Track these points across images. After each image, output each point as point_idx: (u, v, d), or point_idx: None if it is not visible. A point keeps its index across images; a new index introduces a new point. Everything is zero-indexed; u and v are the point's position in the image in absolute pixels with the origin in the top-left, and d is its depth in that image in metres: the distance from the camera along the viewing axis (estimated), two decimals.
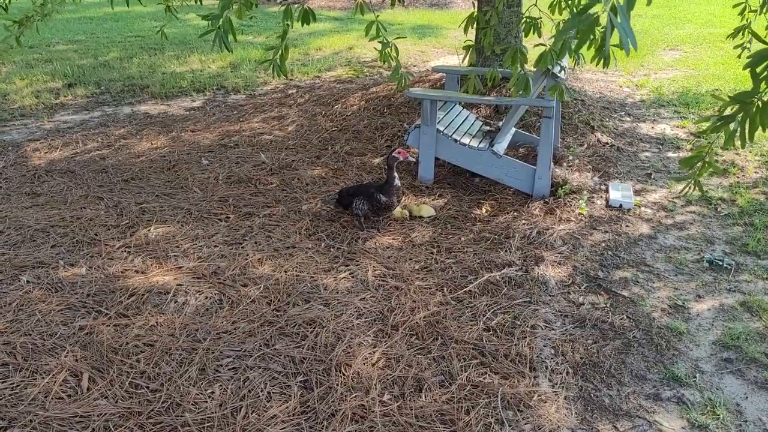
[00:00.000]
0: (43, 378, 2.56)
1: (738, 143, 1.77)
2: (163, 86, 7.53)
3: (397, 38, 3.38)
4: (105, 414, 2.39)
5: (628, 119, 6.37)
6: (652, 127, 6.13)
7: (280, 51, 3.19)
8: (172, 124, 6.16)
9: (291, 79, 8.17)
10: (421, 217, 4.20)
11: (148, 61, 8.81)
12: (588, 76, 8.02)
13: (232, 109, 6.75)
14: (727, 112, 1.74)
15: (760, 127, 1.72)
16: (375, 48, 3.33)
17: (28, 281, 3.25)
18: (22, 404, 2.42)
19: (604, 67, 3.10)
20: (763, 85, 1.62)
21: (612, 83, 7.84)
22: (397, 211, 4.17)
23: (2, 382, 2.53)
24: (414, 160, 3.81)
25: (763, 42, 1.81)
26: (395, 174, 3.88)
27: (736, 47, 3.61)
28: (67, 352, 2.72)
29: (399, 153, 3.89)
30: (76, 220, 3.95)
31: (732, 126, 1.73)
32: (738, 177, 4.87)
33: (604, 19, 1.53)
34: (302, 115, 6.31)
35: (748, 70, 1.65)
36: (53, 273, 3.34)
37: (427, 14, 13.81)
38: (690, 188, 2.21)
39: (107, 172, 4.80)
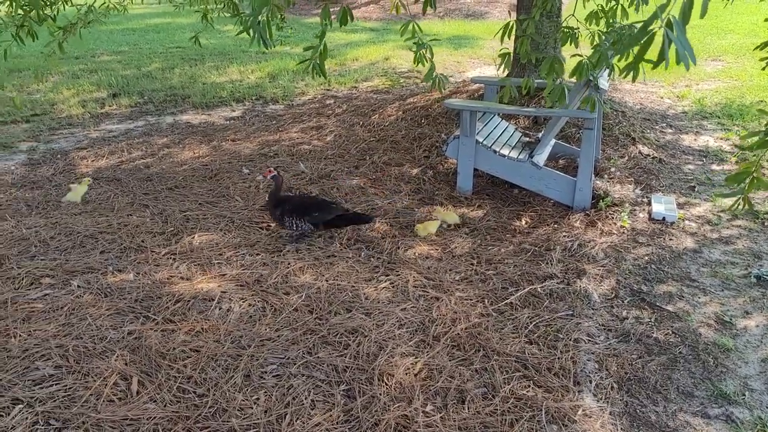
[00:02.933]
0: (95, 381, 2.62)
1: None
2: (204, 96, 7.68)
3: (432, 40, 3.39)
4: (154, 417, 2.44)
5: (670, 131, 6.28)
6: (695, 139, 6.03)
7: (318, 51, 3.23)
8: (213, 133, 6.28)
9: (328, 89, 8.25)
10: (447, 224, 4.23)
11: (188, 71, 8.99)
12: (628, 86, 7.94)
13: (270, 119, 6.84)
14: None
15: None
16: (410, 49, 3.34)
17: (79, 286, 3.34)
18: (75, 406, 2.49)
19: (633, 81, 3.09)
20: None
21: (653, 94, 7.74)
22: (423, 227, 4.11)
23: (56, 384, 2.60)
24: (264, 178, 3.98)
25: None
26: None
27: (762, 59, 3.55)
28: (117, 356, 2.78)
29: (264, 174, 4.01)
30: (123, 227, 4.05)
31: None
32: None
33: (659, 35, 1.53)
34: (340, 125, 6.37)
35: None
36: (102, 278, 3.43)
37: (463, 25, 13.83)
38: (738, 204, 2.18)
39: (152, 180, 4.91)
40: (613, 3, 3.88)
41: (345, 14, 3.27)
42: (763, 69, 3.61)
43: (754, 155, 2.39)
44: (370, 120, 6.52)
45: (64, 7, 4.47)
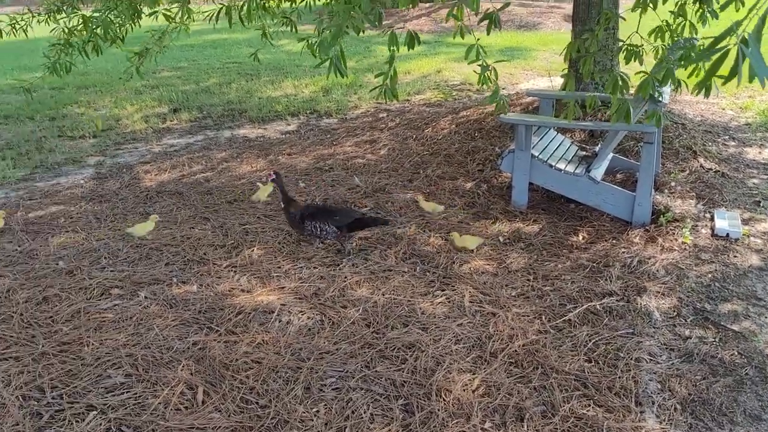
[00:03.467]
0: (163, 389, 2.72)
1: None
2: (260, 110, 7.87)
3: (497, 62, 3.41)
4: (219, 427, 2.52)
5: (733, 143, 6.11)
6: (760, 152, 5.85)
7: (389, 75, 3.29)
8: (270, 147, 6.42)
9: (380, 103, 8.34)
10: (465, 248, 4.05)
11: (245, 86, 9.23)
12: (688, 98, 7.75)
13: (325, 133, 6.96)
14: None
15: None
16: (474, 71, 3.37)
17: (146, 297, 3.47)
18: (144, 414, 2.59)
19: (705, 97, 3.03)
20: None
21: (714, 105, 7.54)
22: (461, 238, 4.09)
23: (127, 392, 2.71)
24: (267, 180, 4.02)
25: None
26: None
27: None
28: (183, 366, 2.88)
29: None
30: (186, 240, 4.19)
31: None
32: None
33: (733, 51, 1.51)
34: (393, 139, 6.43)
35: None
36: (168, 289, 3.55)
37: (515, 36, 13.77)
38: None
39: (212, 194, 5.06)
40: (680, 19, 3.82)
41: (412, 39, 3.33)
42: None
43: None
44: (423, 133, 6.56)
45: (132, 28, 4.67)
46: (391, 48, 3.18)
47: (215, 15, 3.65)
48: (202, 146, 6.58)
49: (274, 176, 4.10)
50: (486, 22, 3.33)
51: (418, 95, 8.77)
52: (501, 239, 4.22)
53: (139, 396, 2.69)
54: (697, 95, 3.08)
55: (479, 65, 3.26)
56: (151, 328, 3.17)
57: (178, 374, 2.82)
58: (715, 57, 1.50)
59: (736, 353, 3.04)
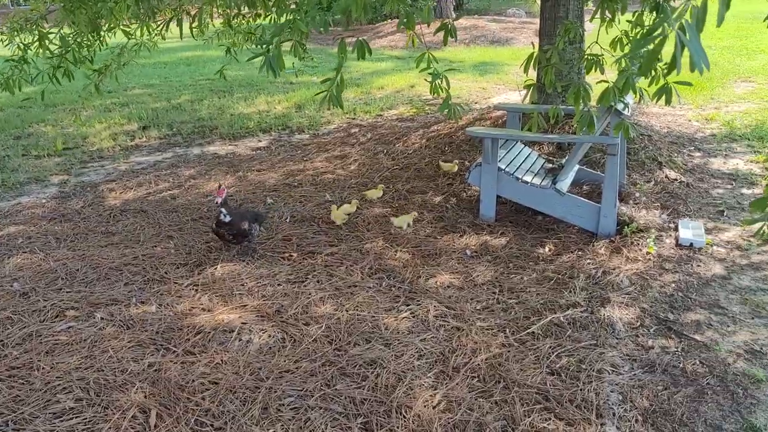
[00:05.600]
0: (114, 414, 2.64)
1: None
2: (231, 127, 7.82)
3: (448, 70, 3.41)
4: None
5: (698, 154, 6.18)
6: (724, 163, 5.92)
7: (336, 82, 3.27)
8: (239, 164, 6.37)
9: (353, 118, 8.33)
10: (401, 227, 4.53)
11: (217, 103, 9.18)
12: (655, 110, 7.85)
13: (296, 149, 6.93)
14: None
15: None
16: (425, 80, 3.36)
17: (102, 318, 3.39)
18: None
19: (666, 104, 3.04)
20: None
21: (680, 117, 7.64)
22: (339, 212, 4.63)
23: (76, 417, 2.63)
24: (220, 200, 3.94)
25: None
26: (222, 210, 3.97)
27: None
28: (137, 389, 2.80)
29: (217, 193, 3.97)
30: (148, 259, 4.11)
31: None
32: None
33: (671, 42, 1.49)
34: (364, 154, 6.42)
35: None
36: (126, 310, 3.47)
37: (488, 51, 13.89)
38: (765, 231, 2.12)
39: (177, 212, 4.99)
40: (639, 29, 3.85)
41: (362, 47, 3.31)
42: None
43: None
44: (394, 148, 6.56)
45: (100, 48, 4.60)
46: (341, 56, 3.16)
47: (165, 25, 3.60)
48: (171, 164, 6.51)
49: (224, 193, 4.00)
50: (442, 33, 3.34)
51: (390, 110, 8.79)
52: (468, 252, 4.20)
53: (89, 421, 2.61)
54: (657, 102, 3.10)
55: (430, 74, 3.25)
56: (106, 350, 3.08)
57: (131, 397, 2.74)
58: (652, 45, 1.48)
59: (698, 363, 3.03)
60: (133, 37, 3.95)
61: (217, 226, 4.04)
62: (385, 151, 6.47)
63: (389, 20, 17.63)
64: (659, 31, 1.44)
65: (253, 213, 4.27)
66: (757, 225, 2.06)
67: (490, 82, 10.43)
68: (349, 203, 4.91)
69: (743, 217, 4.64)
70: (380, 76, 11.16)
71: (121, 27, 3.94)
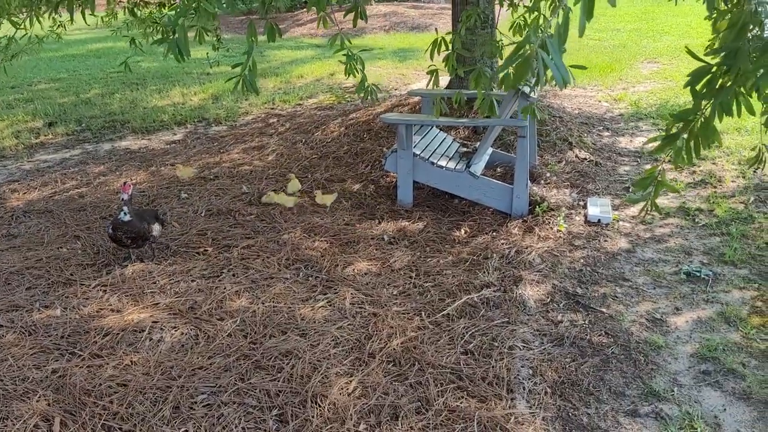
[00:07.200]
0: (14, 424, 2.52)
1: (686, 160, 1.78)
2: (144, 121, 7.55)
3: (362, 50, 3.40)
4: None
5: (607, 134, 6.42)
6: (631, 141, 6.17)
7: (248, 66, 3.20)
8: (152, 158, 6.17)
9: (272, 108, 8.21)
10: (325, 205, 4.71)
11: (129, 96, 8.84)
12: (567, 92, 8.09)
13: (212, 141, 6.76)
14: (674, 130, 1.75)
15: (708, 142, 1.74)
16: (340, 61, 3.34)
17: (1, 325, 3.22)
18: None
19: (561, 88, 3.14)
20: (703, 102, 1.64)
21: (591, 98, 7.91)
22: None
23: None
24: (127, 197, 3.76)
25: (699, 60, 1.84)
26: (123, 208, 3.75)
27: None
28: (39, 397, 2.68)
29: (122, 189, 3.80)
30: (53, 261, 3.93)
31: (678, 143, 1.74)
32: (716, 187, 4.89)
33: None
34: (282, 144, 6.33)
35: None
36: (27, 316, 3.31)
37: (408, 37, 13.95)
38: (646, 210, 2.22)
39: (85, 211, 4.79)
40: (536, 14, 3.94)
41: (272, 30, 3.25)
42: None
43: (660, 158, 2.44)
44: (312, 137, 6.50)
45: None
46: (250, 39, 3.09)
47: (53, 9, 3.39)
48: (79, 161, 6.22)
49: (130, 189, 3.82)
50: (351, 15, 3.31)
51: (310, 99, 8.70)
52: (385, 238, 4.23)
53: None
54: (555, 86, 3.19)
55: (344, 55, 3.23)
56: (5, 358, 2.93)
57: (33, 406, 2.62)
58: (517, 64, 1.53)
59: (604, 334, 3.16)
60: (21, 27, 3.72)
61: (113, 229, 3.75)
62: (304, 140, 6.41)
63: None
64: (525, 48, 1.49)
65: (153, 212, 4.11)
66: (641, 204, 2.16)
67: (409, 68, 10.48)
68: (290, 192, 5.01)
69: (628, 195, 4.85)
70: (300, 64, 11.03)
71: (8, 17, 3.71)
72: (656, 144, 1.92)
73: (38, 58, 12.32)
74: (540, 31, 1.46)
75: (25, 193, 5.28)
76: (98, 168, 5.92)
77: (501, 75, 1.67)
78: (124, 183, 3.83)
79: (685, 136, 1.71)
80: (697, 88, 1.61)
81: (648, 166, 5.44)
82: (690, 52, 1.75)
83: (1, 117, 7.76)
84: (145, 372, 2.86)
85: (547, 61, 1.41)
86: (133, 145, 6.78)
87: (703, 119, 1.65)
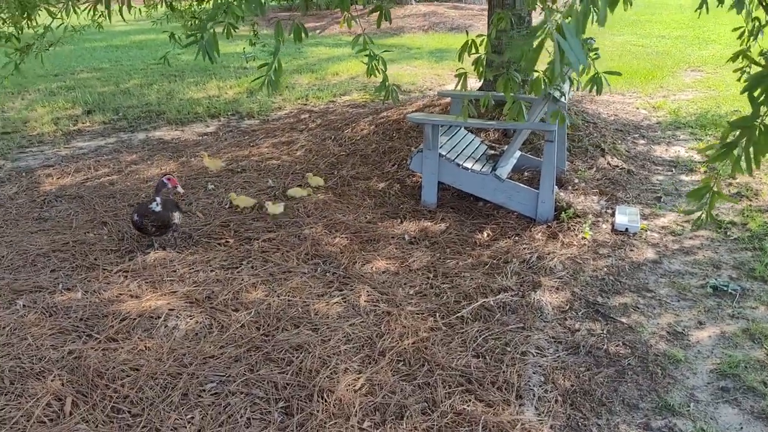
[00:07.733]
0: (27, 402, 2.58)
1: (744, 170, 1.71)
2: (179, 112, 7.67)
3: (384, 51, 3.39)
4: None
5: (642, 141, 6.27)
6: (666, 150, 6.03)
7: (273, 67, 3.22)
8: (184, 149, 6.25)
9: (305, 104, 8.25)
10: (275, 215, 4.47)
11: (167, 87, 8.99)
12: (605, 98, 7.94)
13: (243, 134, 6.83)
14: (731, 138, 1.68)
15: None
16: (362, 61, 3.33)
17: (24, 305, 3.30)
18: (3, 428, 2.44)
19: (597, 94, 3.07)
20: (763, 109, 1.57)
21: (629, 105, 7.75)
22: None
23: None
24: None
25: (759, 65, 1.76)
26: (156, 198, 3.79)
27: (735, 71, 3.55)
28: (54, 377, 2.74)
29: (168, 180, 3.83)
30: (79, 245, 4.01)
31: (736, 152, 1.67)
32: (751, 200, 4.74)
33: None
34: (312, 140, 6.36)
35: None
36: (50, 297, 3.38)
37: (446, 38, 13.89)
38: (702, 220, 2.15)
39: (114, 198, 4.88)
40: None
41: (298, 30, 3.26)
42: (739, 80, 3.61)
43: (715, 169, 2.35)
44: (342, 134, 6.51)
45: (29, 26, 4.44)
46: (278, 39, 3.11)
47: (92, 6, 3.48)
48: (113, 149, 6.35)
49: (168, 179, 3.90)
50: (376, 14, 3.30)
51: (343, 96, 8.72)
52: (406, 238, 4.20)
53: (1, 410, 2.53)
54: (590, 91, 3.13)
55: (366, 55, 3.22)
56: (25, 337, 3.00)
57: (48, 385, 2.67)
58: (528, 50, 1.49)
59: (622, 344, 3.09)
60: (57, 17, 3.81)
61: (141, 216, 3.79)
62: (333, 137, 6.42)
63: (352, 6, 17.49)
64: (540, 31, 1.45)
65: (173, 201, 4.14)
66: (696, 214, 2.09)
67: (445, 69, 10.42)
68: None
69: (679, 202, 4.73)
70: (336, 62, 11.07)
71: (45, 6, 3.80)
72: (711, 153, 1.83)
73: (83, 47, 12.65)
74: (558, 16, 1.41)
75: (58, 178, 5.41)
76: (131, 156, 6.03)
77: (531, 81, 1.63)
78: (168, 176, 3.89)
79: (743, 144, 1.63)
80: (756, 94, 1.54)
81: (683, 177, 5.31)
82: (747, 56, 1.68)
83: (42, 104, 7.98)
84: (158, 358, 2.90)
85: (562, 45, 1.36)
86: (166, 135, 6.89)
87: (762, 126, 1.57)
